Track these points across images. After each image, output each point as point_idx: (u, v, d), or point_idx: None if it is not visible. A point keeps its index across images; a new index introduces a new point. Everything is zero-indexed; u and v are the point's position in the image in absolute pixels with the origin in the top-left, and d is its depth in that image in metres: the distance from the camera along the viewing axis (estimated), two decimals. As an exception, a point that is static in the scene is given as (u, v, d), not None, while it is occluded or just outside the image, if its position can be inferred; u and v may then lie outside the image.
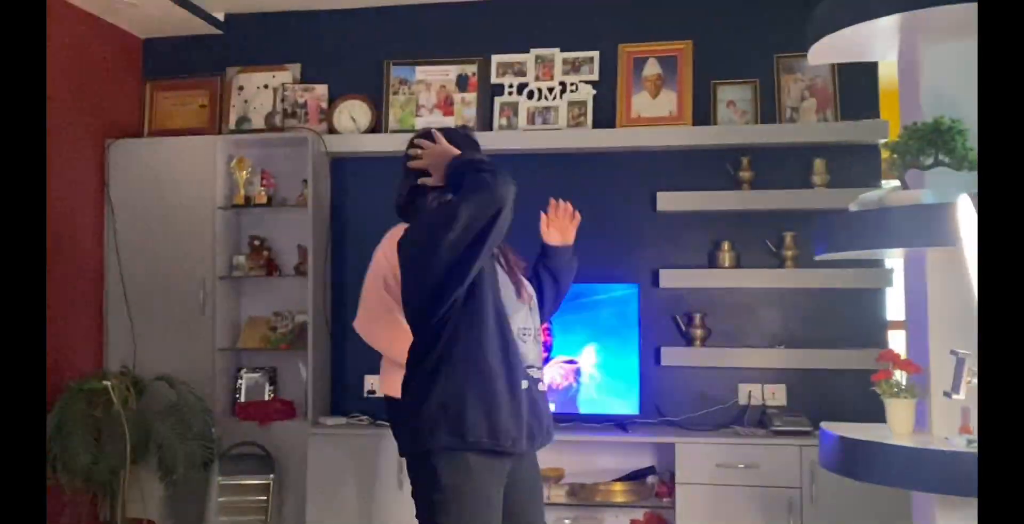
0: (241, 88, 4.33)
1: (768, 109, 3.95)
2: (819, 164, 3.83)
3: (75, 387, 3.60)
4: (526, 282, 2.34)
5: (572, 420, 3.79)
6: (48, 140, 3.83)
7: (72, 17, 4.00)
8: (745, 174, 3.88)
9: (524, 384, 2.15)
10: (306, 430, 3.83)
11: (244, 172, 4.11)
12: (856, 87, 3.89)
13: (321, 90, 4.26)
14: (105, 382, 3.57)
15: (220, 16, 4.38)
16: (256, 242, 4.15)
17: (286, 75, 4.32)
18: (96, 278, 4.12)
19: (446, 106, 4.15)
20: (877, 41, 2.58)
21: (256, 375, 4.16)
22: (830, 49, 2.64)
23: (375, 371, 4.08)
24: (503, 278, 2.23)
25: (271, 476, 3.79)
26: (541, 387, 2.24)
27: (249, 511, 3.76)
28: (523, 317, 2.24)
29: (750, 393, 3.87)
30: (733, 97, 3.99)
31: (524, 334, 2.21)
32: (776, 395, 3.85)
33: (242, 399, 4.08)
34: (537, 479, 2.31)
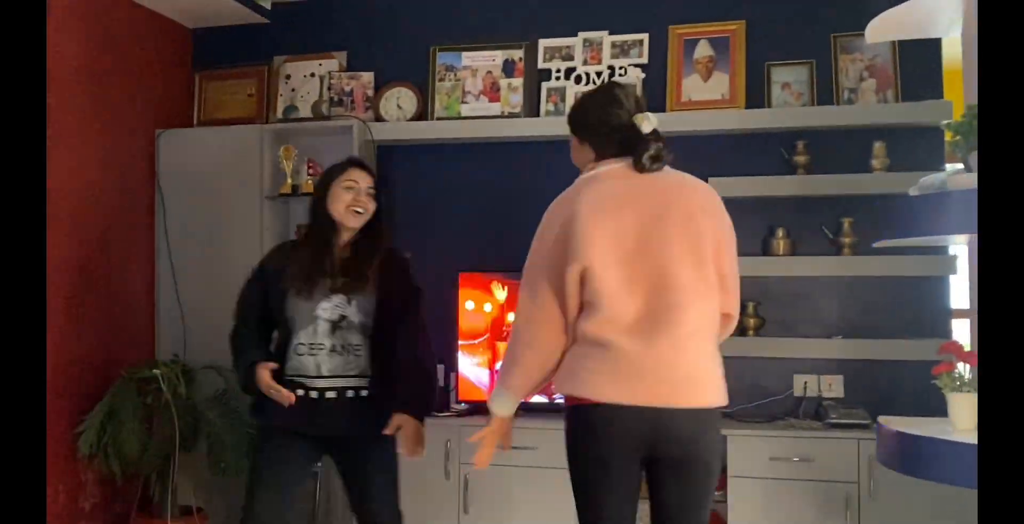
0: (288, 77, 4.33)
1: (825, 91, 3.81)
2: (879, 147, 3.68)
3: (127, 376, 3.64)
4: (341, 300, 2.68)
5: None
6: (100, 131, 3.88)
7: (124, 8, 4.03)
8: (800, 158, 3.75)
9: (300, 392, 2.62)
10: (353, 419, 3.82)
11: (291, 161, 4.10)
12: (918, 67, 3.73)
13: (367, 77, 4.24)
14: (155, 371, 3.60)
15: (267, 5, 4.38)
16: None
17: (332, 63, 4.31)
18: (148, 267, 4.17)
19: (492, 92, 4.09)
20: (939, 16, 2.46)
21: (304, 364, 4.15)
22: (889, 26, 2.53)
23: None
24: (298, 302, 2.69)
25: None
26: (329, 395, 2.65)
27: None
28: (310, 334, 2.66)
29: (806, 384, 3.75)
30: (788, 79, 3.85)
31: (313, 349, 2.66)
32: (833, 386, 3.73)
33: (291, 388, 4.09)
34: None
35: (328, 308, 2.66)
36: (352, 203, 2.72)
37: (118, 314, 3.96)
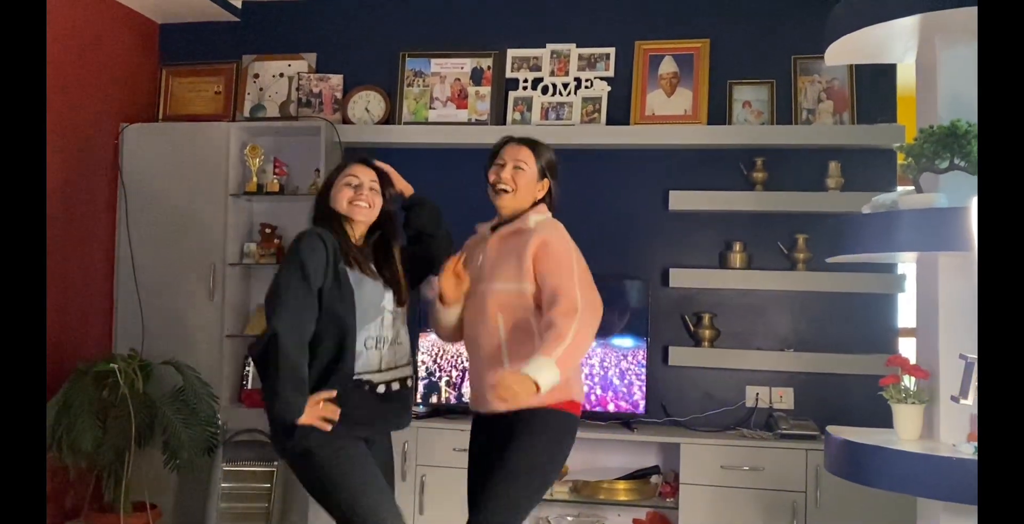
0: (256, 76, 4.34)
1: (784, 110, 3.93)
2: (834, 167, 3.80)
3: (83, 369, 3.61)
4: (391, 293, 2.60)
5: (577, 417, 3.78)
6: (63, 123, 3.85)
7: (90, 0, 4.01)
8: (759, 175, 3.86)
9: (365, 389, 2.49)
10: (311, 419, 3.82)
11: (257, 160, 4.10)
12: (873, 91, 3.87)
13: (336, 80, 4.26)
14: (113, 365, 3.58)
15: (237, 3, 4.39)
16: (267, 230, 4.15)
17: (302, 64, 4.32)
18: (107, 261, 4.14)
19: (460, 99, 4.14)
20: (895, 42, 2.56)
21: (263, 363, 4.15)
22: (847, 49, 2.62)
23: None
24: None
25: (275, 464, 3.79)
26: (394, 387, 2.56)
27: (252, 498, 3.77)
28: (377, 326, 2.53)
29: (757, 395, 3.85)
30: (749, 97, 3.96)
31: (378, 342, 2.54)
32: (783, 398, 3.83)
33: (249, 386, 4.09)
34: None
35: (389, 298, 2.58)
36: (354, 198, 2.60)
37: (75, 308, 3.93)
